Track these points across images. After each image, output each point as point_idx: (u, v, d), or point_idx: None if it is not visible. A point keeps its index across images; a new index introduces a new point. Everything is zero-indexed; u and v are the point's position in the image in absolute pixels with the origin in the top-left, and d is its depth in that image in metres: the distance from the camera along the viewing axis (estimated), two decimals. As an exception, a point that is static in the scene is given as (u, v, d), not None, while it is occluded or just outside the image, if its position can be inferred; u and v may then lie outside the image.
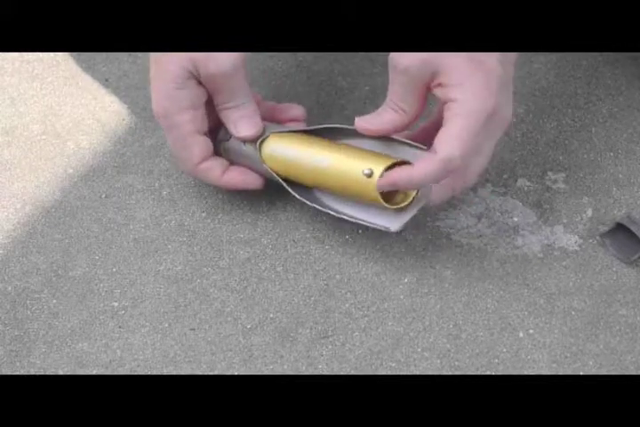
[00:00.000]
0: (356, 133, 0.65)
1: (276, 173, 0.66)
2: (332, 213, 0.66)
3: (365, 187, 0.62)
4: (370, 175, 0.62)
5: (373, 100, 0.77)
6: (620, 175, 0.72)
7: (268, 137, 0.67)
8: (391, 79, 0.62)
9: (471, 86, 0.59)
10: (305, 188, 0.67)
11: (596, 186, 0.72)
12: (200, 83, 0.64)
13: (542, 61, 0.79)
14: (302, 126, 0.69)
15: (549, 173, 0.73)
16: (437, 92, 0.61)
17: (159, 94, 0.64)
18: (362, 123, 0.64)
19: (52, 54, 0.82)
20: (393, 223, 0.64)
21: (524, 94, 0.77)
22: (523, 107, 0.76)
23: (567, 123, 0.75)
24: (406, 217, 0.64)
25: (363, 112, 0.76)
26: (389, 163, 0.62)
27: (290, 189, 0.66)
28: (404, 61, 0.60)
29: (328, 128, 0.66)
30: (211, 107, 0.66)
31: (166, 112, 0.64)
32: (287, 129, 0.67)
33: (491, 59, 0.60)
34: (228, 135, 0.68)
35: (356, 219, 0.65)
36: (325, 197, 0.67)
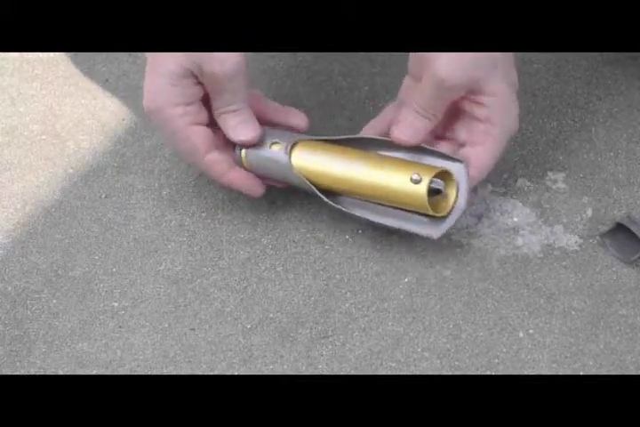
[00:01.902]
0: (381, 144, 0.64)
1: (306, 179, 0.65)
2: (370, 218, 0.65)
3: (412, 193, 0.62)
4: (418, 181, 0.62)
5: (373, 100, 0.77)
6: (620, 175, 0.72)
7: (297, 143, 0.66)
8: (424, 87, 0.62)
9: (511, 114, 0.64)
10: (333, 195, 0.66)
11: (596, 186, 0.72)
12: (198, 82, 0.63)
13: (542, 61, 0.79)
14: (329, 136, 0.68)
15: (549, 173, 0.73)
16: (472, 107, 0.63)
17: (152, 89, 0.64)
18: (397, 134, 0.64)
19: (51, 54, 0.82)
20: (432, 230, 0.64)
21: (524, 94, 0.77)
22: (523, 107, 0.76)
23: (567, 123, 0.75)
24: (448, 225, 0.64)
25: (363, 112, 0.76)
26: (437, 171, 0.62)
27: (323, 197, 0.65)
28: (445, 73, 0.60)
29: (353, 138, 0.66)
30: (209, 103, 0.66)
31: (157, 107, 0.63)
32: (314, 138, 0.67)
33: (515, 75, 0.64)
34: None
35: (394, 226, 0.65)
36: (353, 205, 0.67)
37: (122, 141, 0.76)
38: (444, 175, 0.63)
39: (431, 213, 0.63)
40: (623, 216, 0.68)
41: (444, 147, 0.66)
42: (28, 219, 0.72)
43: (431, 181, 0.62)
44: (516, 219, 0.70)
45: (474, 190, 0.71)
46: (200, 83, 0.63)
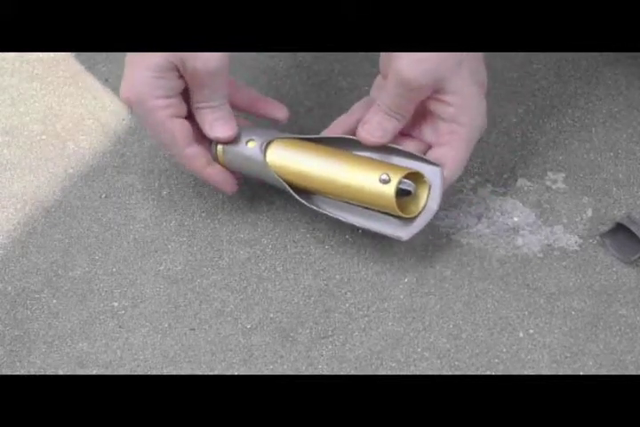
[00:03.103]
0: (357, 144, 0.64)
1: (280, 177, 0.66)
2: (341, 218, 0.66)
3: (380, 193, 0.62)
4: (387, 182, 0.62)
5: (373, 100, 0.77)
6: (620, 175, 0.72)
7: (272, 141, 0.66)
8: (389, 87, 0.62)
9: (477, 112, 0.63)
10: (306, 193, 0.67)
11: (596, 186, 0.72)
12: (180, 76, 0.63)
13: (542, 61, 0.79)
14: (306, 135, 0.68)
15: (549, 173, 0.73)
16: (437, 106, 0.63)
17: (134, 80, 0.63)
18: (365, 135, 0.64)
19: (52, 54, 0.82)
20: (402, 232, 0.64)
21: (524, 94, 0.77)
22: (523, 107, 0.76)
23: (567, 123, 0.75)
24: (417, 227, 0.64)
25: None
26: (406, 172, 0.62)
27: (295, 195, 0.66)
28: (408, 73, 0.60)
29: (330, 138, 0.66)
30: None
31: (139, 98, 0.63)
32: (291, 136, 0.67)
33: (484, 73, 0.63)
34: None
35: (364, 226, 0.65)
36: (327, 204, 0.67)
37: (122, 141, 0.76)
38: (416, 177, 0.63)
39: (400, 214, 0.63)
40: (623, 216, 0.68)
41: (410, 146, 0.65)
42: (27, 219, 0.72)
43: (400, 182, 0.62)
44: (516, 219, 0.70)
45: (473, 191, 0.71)
46: (182, 76, 0.63)
